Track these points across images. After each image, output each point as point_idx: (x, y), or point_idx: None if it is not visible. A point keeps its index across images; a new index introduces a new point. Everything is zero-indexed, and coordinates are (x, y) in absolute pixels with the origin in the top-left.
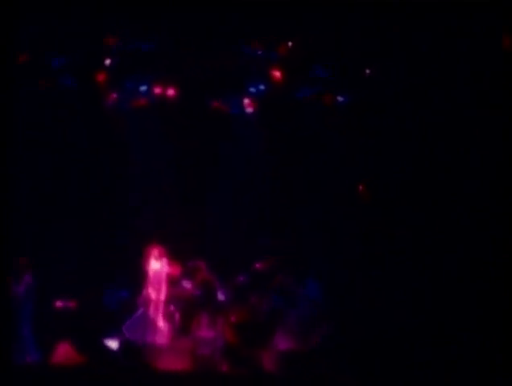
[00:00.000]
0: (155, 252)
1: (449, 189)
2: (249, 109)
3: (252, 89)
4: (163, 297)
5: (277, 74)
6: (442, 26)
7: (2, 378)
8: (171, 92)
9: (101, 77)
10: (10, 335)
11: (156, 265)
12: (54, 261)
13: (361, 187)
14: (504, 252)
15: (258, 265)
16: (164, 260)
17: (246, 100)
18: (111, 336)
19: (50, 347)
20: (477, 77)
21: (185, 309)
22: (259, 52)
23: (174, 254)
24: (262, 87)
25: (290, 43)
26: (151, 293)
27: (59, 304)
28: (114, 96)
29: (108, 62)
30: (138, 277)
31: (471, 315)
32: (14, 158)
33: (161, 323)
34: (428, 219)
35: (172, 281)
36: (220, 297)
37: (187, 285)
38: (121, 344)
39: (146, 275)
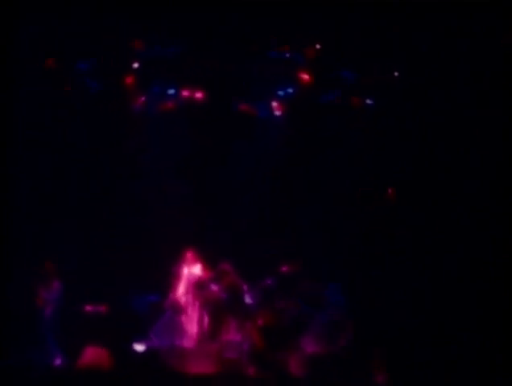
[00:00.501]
0: (189, 256)
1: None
2: (278, 112)
3: (280, 92)
4: (191, 300)
5: (305, 77)
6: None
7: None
8: (198, 95)
9: (128, 81)
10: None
11: (189, 269)
12: (81, 266)
13: (389, 190)
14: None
15: (284, 269)
16: (198, 264)
17: (274, 103)
18: (139, 340)
19: (76, 352)
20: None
21: (212, 312)
22: (287, 55)
23: (204, 258)
24: (290, 90)
25: (317, 46)
26: (181, 296)
27: (88, 308)
28: (142, 99)
29: (135, 65)
30: (167, 281)
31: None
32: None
33: (188, 327)
34: (443, 221)
35: (200, 285)
36: (248, 300)
37: (214, 288)
38: (148, 349)
39: (176, 278)
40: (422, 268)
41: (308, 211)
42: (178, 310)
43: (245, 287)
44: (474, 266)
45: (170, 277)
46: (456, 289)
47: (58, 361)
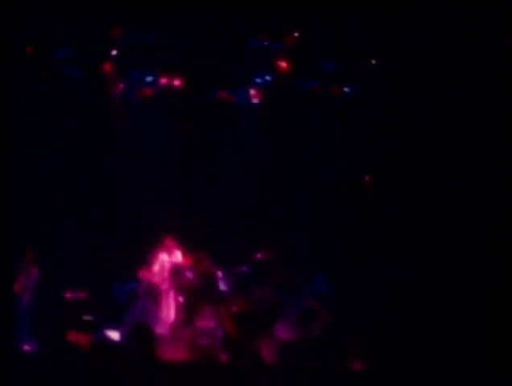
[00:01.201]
0: (168, 243)
1: (447, 186)
2: (255, 100)
3: (258, 80)
4: (166, 287)
5: (283, 65)
6: (442, 26)
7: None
8: (177, 82)
9: (107, 68)
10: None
11: (166, 256)
12: (60, 255)
13: (366, 179)
14: (489, 247)
15: (258, 256)
16: (175, 252)
17: (252, 91)
18: (113, 327)
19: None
20: (477, 77)
21: (186, 299)
22: (266, 43)
23: (181, 245)
24: (268, 78)
25: (296, 34)
26: (156, 283)
27: (68, 295)
28: (120, 86)
29: (114, 53)
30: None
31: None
32: (19, 158)
33: (162, 313)
34: (427, 214)
35: (175, 272)
36: (223, 287)
37: (189, 275)
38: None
39: (152, 265)
40: (405, 260)
41: (289, 200)
42: (152, 296)
43: (220, 274)
44: (458, 261)
45: (147, 264)
46: (439, 283)
47: (31, 347)
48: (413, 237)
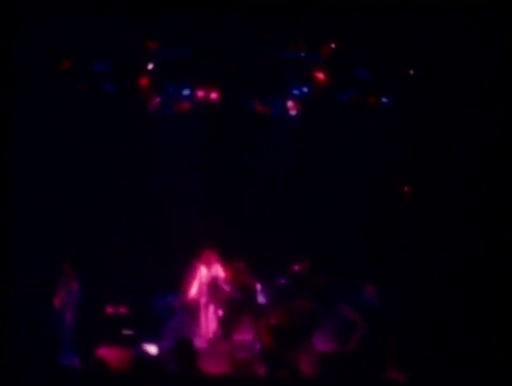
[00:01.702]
0: (206, 256)
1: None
2: (293, 112)
3: (295, 91)
4: (204, 300)
5: (320, 76)
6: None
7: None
8: (213, 95)
9: (143, 82)
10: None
11: (205, 269)
12: (100, 268)
13: (404, 188)
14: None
15: (296, 267)
16: (214, 265)
17: (289, 103)
18: (151, 341)
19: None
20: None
21: (225, 312)
22: (302, 54)
23: (220, 258)
24: (305, 89)
25: (333, 45)
26: (195, 296)
27: (109, 310)
28: (157, 100)
29: (150, 66)
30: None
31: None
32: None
33: (200, 327)
34: (456, 219)
35: (213, 285)
36: (262, 300)
37: (227, 288)
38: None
39: (191, 278)
40: (433, 265)
41: (323, 211)
42: (190, 310)
43: (259, 286)
44: (472, 263)
45: (185, 277)
46: (453, 284)
47: (74, 363)
48: (435, 240)
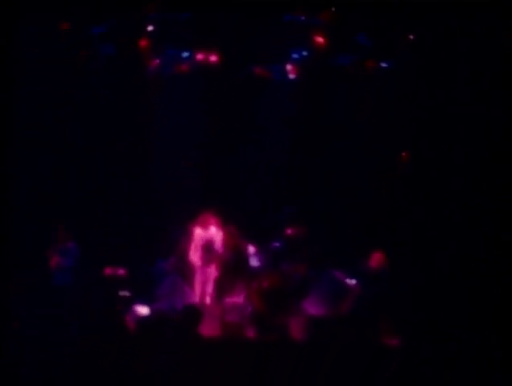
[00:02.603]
0: (205, 219)
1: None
2: (292, 75)
3: (295, 55)
4: (199, 263)
5: (320, 40)
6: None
7: None
8: (213, 58)
9: (143, 44)
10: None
11: (200, 231)
12: (97, 230)
13: (403, 156)
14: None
15: (289, 232)
16: (209, 227)
17: (289, 66)
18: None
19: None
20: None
21: (218, 275)
22: (302, 18)
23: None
24: (304, 53)
25: (332, 9)
26: (191, 259)
27: (108, 271)
28: (156, 62)
29: (150, 28)
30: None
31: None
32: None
33: (192, 289)
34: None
35: (206, 247)
36: (255, 263)
37: (220, 250)
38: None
39: (187, 241)
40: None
41: (320, 178)
42: (181, 272)
43: (252, 250)
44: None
45: (180, 240)
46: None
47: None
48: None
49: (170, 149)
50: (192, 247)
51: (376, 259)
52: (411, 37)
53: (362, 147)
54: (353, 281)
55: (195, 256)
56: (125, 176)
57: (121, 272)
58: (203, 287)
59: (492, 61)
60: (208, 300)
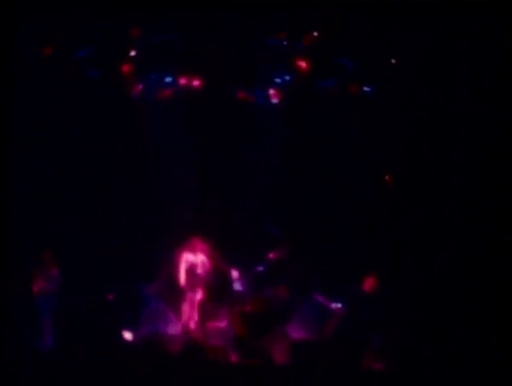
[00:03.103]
0: (195, 244)
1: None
2: (275, 100)
3: (277, 80)
4: (181, 287)
5: (302, 64)
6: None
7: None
8: (196, 82)
9: (125, 68)
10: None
11: (187, 256)
12: (79, 256)
13: (387, 178)
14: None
15: (271, 255)
16: (201, 253)
17: (272, 91)
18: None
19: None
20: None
21: (201, 299)
22: (284, 43)
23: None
24: (287, 77)
25: (315, 34)
26: (171, 283)
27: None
28: (139, 87)
29: (133, 53)
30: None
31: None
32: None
33: (174, 313)
34: (440, 214)
35: (189, 271)
36: (239, 287)
37: (202, 275)
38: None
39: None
40: (432, 264)
41: (307, 198)
42: (164, 296)
43: (236, 274)
44: (468, 262)
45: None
46: (450, 283)
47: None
48: (425, 237)
49: (155, 174)
50: (177, 271)
51: (369, 283)
52: (400, 53)
53: (349, 167)
54: (337, 305)
55: (180, 280)
56: (114, 196)
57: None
58: (187, 311)
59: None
60: (192, 324)
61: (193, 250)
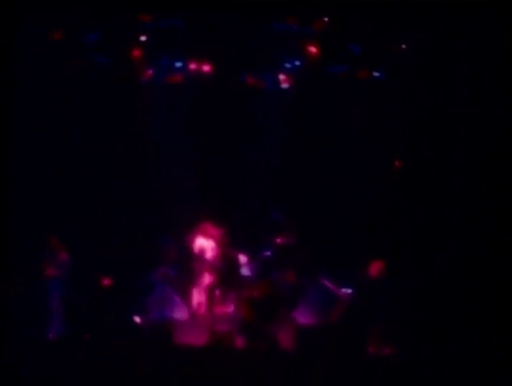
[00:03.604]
0: (200, 229)
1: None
2: (285, 85)
3: (287, 65)
4: (188, 272)
5: (312, 50)
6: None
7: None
8: (206, 67)
9: (135, 54)
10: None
11: (195, 241)
12: (90, 241)
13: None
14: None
15: (279, 240)
16: (208, 237)
17: (282, 76)
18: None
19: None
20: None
21: (207, 284)
22: (295, 28)
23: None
24: (297, 63)
25: (326, 19)
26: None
27: (106, 281)
28: (149, 72)
29: (143, 38)
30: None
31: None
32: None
33: (182, 298)
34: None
35: (198, 257)
36: (247, 272)
37: (211, 260)
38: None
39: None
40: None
41: (313, 186)
42: (171, 281)
43: (244, 259)
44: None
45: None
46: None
47: (65, 333)
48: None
49: (162, 162)
50: (186, 256)
51: (375, 268)
52: (407, 41)
53: (356, 154)
54: (344, 290)
55: (189, 264)
56: (120, 186)
57: (114, 281)
58: (195, 296)
59: (492, 61)
60: (199, 309)
61: (203, 235)
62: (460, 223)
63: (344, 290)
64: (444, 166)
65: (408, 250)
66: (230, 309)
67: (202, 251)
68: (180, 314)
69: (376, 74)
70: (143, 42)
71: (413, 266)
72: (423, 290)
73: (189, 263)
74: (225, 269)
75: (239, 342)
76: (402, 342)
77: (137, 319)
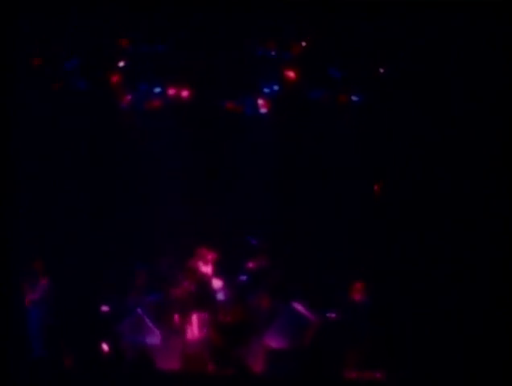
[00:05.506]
0: (204, 254)
1: (450, 188)
2: (263, 110)
3: (266, 90)
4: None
5: (291, 74)
6: (442, 26)
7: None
8: (185, 93)
9: (114, 79)
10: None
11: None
12: (69, 265)
13: (376, 187)
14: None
15: (253, 264)
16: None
17: (260, 101)
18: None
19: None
20: (477, 77)
21: (179, 308)
22: (273, 52)
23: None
24: (275, 87)
25: (303, 43)
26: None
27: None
28: (128, 97)
29: (121, 64)
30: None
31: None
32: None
33: (154, 324)
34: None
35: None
36: (221, 297)
37: (184, 284)
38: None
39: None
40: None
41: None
42: (145, 307)
43: (220, 283)
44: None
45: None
46: (451, 285)
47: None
48: (407, 258)
49: (142, 186)
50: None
51: (357, 289)
52: (388, 65)
53: (336, 177)
54: (315, 314)
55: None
56: (98, 212)
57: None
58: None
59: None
60: (169, 334)
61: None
62: (442, 246)
63: (328, 314)
64: (428, 189)
65: (390, 271)
66: (202, 333)
67: (176, 276)
68: (153, 339)
69: (355, 98)
70: (122, 67)
71: (394, 288)
72: (406, 311)
73: (163, 288)
74: (199, 294)
75: (210, 366)
76: (387, 367)
77: (104, 347)
